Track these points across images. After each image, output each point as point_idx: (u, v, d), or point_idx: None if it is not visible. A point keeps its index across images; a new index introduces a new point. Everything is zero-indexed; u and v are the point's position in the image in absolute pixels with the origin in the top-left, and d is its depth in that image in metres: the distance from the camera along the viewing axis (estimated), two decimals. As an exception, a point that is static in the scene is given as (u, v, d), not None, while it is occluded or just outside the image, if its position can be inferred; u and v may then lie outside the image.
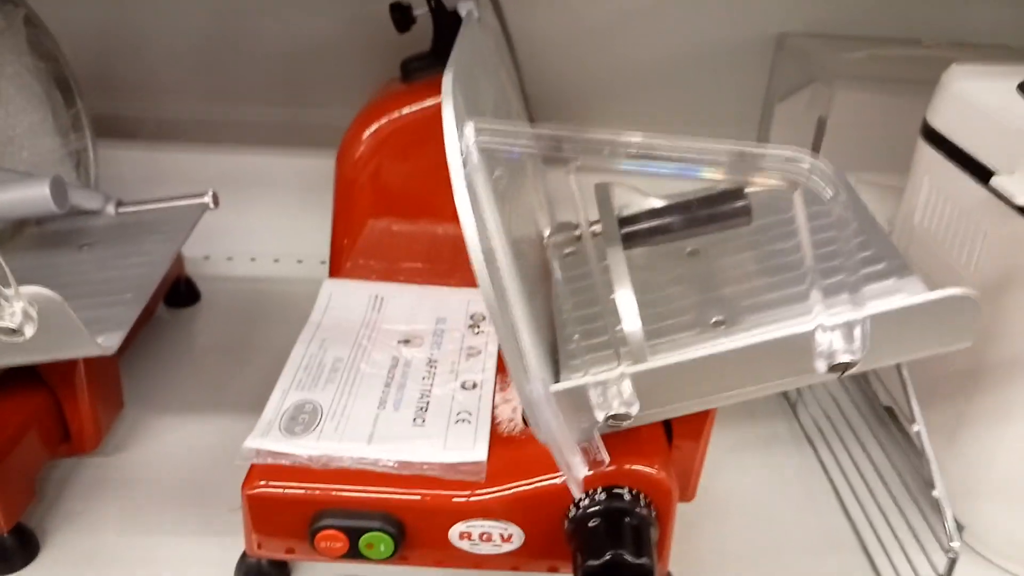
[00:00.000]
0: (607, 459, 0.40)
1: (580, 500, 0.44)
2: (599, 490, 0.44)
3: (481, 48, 0.49)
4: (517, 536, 0.46)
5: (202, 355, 0.67)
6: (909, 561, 0.50)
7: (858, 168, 0.67)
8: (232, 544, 0.48)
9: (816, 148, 0.68)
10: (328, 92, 0.78)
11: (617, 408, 0.37)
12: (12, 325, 0.36)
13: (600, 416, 0.37)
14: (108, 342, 0.43)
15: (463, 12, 0.52)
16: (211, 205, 0.56)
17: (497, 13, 0.70)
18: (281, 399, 0.50)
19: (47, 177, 0.46)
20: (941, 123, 0.54)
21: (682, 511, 0.46)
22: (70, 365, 0.49)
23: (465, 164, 0.32)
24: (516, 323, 0.35)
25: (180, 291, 0.72)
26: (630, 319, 0.39)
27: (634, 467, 0.44)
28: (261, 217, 0.76)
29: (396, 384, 0.51)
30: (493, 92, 0.50)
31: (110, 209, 0.57)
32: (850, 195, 0.51)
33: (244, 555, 0.48)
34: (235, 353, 0.66)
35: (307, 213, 0.73)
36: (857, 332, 0.35)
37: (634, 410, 0.37)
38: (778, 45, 0.75)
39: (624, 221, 0.45)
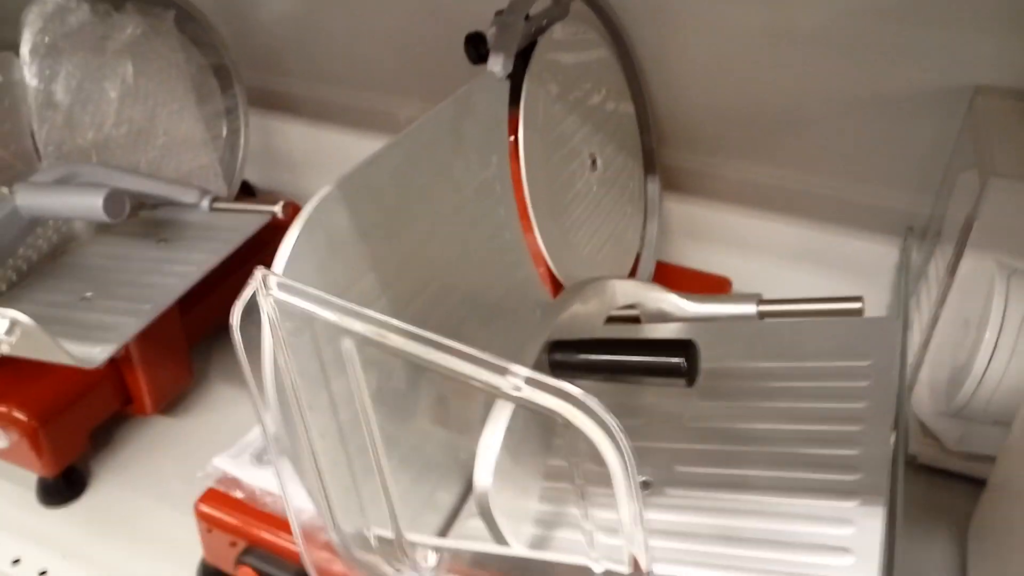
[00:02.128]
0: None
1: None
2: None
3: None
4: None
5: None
6: None
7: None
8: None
9: (961, 246, 0.53)
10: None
11: (415, 579, 0.34)
12: (-10, 340, 0.43)
13: (407, 578, 0.35)
14: (94, 355, 0.48)
15: (496, 68, 0.48)
16: (279, 215, 0.60)
17: (615, 40, 0.63)
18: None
19: (105, 188, 0.52)
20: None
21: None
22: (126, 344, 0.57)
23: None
24: (322, 469, 0.33)
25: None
26: (483, 473, 0.35)
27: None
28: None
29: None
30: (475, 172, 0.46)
31: (204, 205, 0.63)
32: (887, 368, 0.40)
33: (203, 560, 0.53)
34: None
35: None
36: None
37: (436, 583, 0.34)
38: (972, 101, 0.58)
39: (557, 346, 0.40)
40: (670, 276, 0.69)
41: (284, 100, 0.84)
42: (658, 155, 0.69)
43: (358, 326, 0.29)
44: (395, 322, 0.29)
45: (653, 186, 0.69)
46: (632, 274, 0.65)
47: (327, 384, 0.33)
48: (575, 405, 0.26)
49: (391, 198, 0.39)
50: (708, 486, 0.38)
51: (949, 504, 0.57)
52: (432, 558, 0.34)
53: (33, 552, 0.55)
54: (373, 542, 0.35)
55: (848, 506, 0.34)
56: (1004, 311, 0.53)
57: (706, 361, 0.45)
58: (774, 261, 0.71)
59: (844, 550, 0.33)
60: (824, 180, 0.67)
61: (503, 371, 0.27)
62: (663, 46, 0.66)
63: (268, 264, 0.32)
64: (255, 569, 0.48)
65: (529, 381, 0.27)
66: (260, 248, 0.62)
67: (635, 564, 0.27)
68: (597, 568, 0.29)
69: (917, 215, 0.66)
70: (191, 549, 0.53)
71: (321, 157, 0.85)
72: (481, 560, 0.34)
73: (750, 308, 0.45)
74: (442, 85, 0.46)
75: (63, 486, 0.58)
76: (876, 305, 0.67)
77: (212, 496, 0.50)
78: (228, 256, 0.58)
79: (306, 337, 0.32)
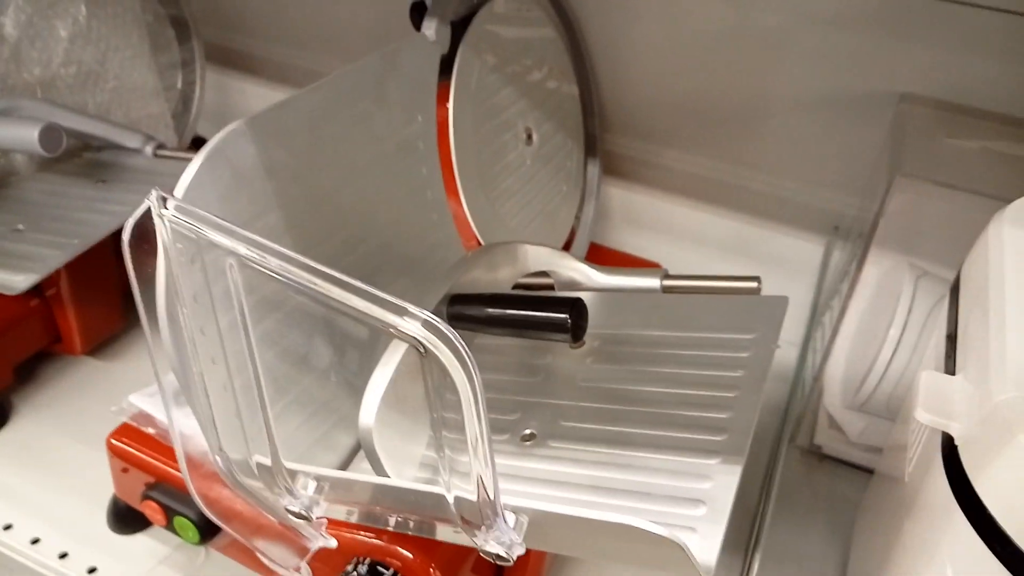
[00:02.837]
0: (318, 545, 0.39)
1: (356, 561, 0.43)
2: (365, 560, 0.43)
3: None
4: (305, 570, 0.46)
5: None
6: None
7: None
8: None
9: (868, 241, 0.55)
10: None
11: (291, 505, 0.35)
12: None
13: (284, 504, 0.36)
14: (16, 282, 0.49)
15: (429, 32, 0.49)
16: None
17: (564, 22, 0.65)
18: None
19: (41, 122, 0.53)
20: (967, 282, 0.42)
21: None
22: (55, 281, 0.58)
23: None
24: (208, 392, 0.34)
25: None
26: (367, 412, 0.37)
27: (401, 550, 0.42)
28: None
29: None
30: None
31: (148, 150, 0.64)
32: (768, 341, 0.42)
33: (115, 496, 0.54)
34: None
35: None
36: (503, 522, 0.30)
37: (314, 512, 0.35)
38: (898, 108, 0.60)
39: (456, 299, 0.41)
40: (603, 258, 0.71)
41: (244, 60, 0.85)
42: (601, 140, 0.71)
43: (242, 248, 0.31)
44: (276, 247, 0.30)
45: (593, 169, 0.71)
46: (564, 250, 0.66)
47: (216, 313, 0.34)
48: (434, 333, 0.28)
49: (303, 141, 0.40)
50: (588, 440, 0.39)
51: (848, 493, 0.59)
52: (311, 486, 0.36)
53: (-55, 478, 0.56)
54: (254, 469, 0.36)
55: (710, 463, 0.36)
56: (909, 310, 0.56)
57: (606, 328, 0.46)
58: (707, 251, 0.73)
59: (699, 502, 0.34)
60: (760, 176, 0.69)
61: (385, 304, 0.29)
62: (615, 34, 0.68)
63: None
64: (159, 504, 0.49)
65: (383, 303, 0.28)
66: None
67: (481, 486, 0.28)
68: (449, 496, 0.30)
69: (844, 215, 0.68)
70: (104, 487, 0.54)
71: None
72: (353, 489, 0.35)
73: (655, 282, 0.47)
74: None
75: (-17, 416, 0.59)
76: (799, 301, 0.69)
77: (125, 431, 0.51)
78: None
79: (199, 264, 0.33)
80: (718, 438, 0.37)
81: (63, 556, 0.52)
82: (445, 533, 0.34)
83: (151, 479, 0.49)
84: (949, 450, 0.33)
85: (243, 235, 0.30)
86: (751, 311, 0.44)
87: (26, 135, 0.53)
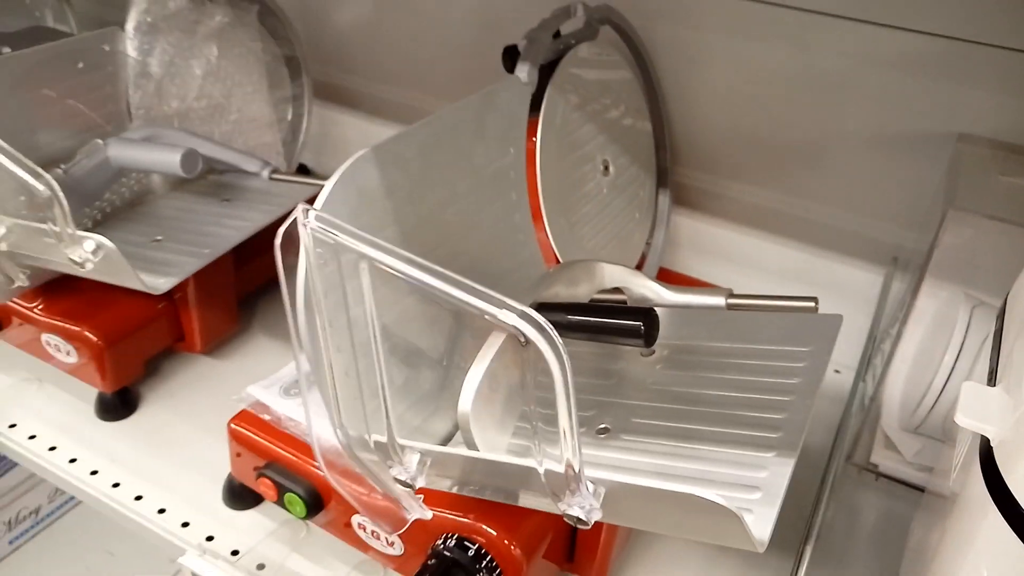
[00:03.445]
0: (415, 516, 0.45)
1: (446, 537, 0.49)
2: (453, 536, 0.49)
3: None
4: (398, 545, 0.52)
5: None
6: None
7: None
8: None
9: (922, 271, 0.59)
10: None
11: (399, 474, 0.41)
12: (77, 259, 0.52)
13: (393, 474, 0.42)
14: (160, 284, 0.57)
15: (522, 75, 0.56)
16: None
17: (640, 65, 0.71)
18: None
19: (182, 148, 0.62)
20: (1013, 305, 0.45)
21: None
22: (184, 286, 0.66)
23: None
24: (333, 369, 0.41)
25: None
26: (465, 398, 0.43)
27: (485, 527, 0.48)
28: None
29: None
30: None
31: (264, 174, 0.72)
32: (822, 353, 0.46)
33: (230, 475, 0.61)
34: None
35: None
36: (585, 489, 0.35)
37: (418, 482, 0.41)
38: (956, 147, 0.64)
39: (540, 307, 0.47)
40: (672, 281, 0.74)
41: (345, 94, 0.94)
42: (671, 172, 0.76)
43: (373, 252, 0.37)
44: (404, 253, 0.36)
45: (664, 199, 0.76)
46: (635, 273, 0.72)
47: (347, 308, 0.41)
48: (532, 324, 0.34)
49: (415, 167, 0.47)
50: (656, 435, 0.44)
51: (901, 510, 0.62)
52: (415, 459, 0.42)
53: (87, 455, 0.64)
54: (371, 444, 0.42)
55: (766, 456, 0.41)
56: (964, 337, 0.59)
57: (675, 339, 0.52)
58: (769, 278, 0.77)
59: (755, 488, 0.39)
60: (822, 208, 0.74)
61: (488, 298, 0.35)
62: (685, 76, 0.74)
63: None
64: (272, 480, 0.55)
65: (493, 301, 0.34)
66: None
67: (568, 464, 0.34)
68: (540, 468, 0.36)
69: (902, 248, 0.72)
70: (219, 469, 0.61)
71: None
72: (453, 462, 0.41)
73: (720, 300, 0.52)
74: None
75: (118, 404, 0.67)
76: (857, 327, 0.73)
77: (243, 417, 0.58)
78: (280, 218, 0.67)
79: (333, 266, 0.40)
80: (773, 435, 0.42)
81: (185, 525, 0.59)
82: (528, 500, 0.39)
83: (265, 460, 0.56)
84: (986, 452, 0.37)
85: (376, 241, 0.37)
86: (808, 328, 0.48)
87: (170, 159, 0.61)
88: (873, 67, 0.66)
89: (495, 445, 0.45)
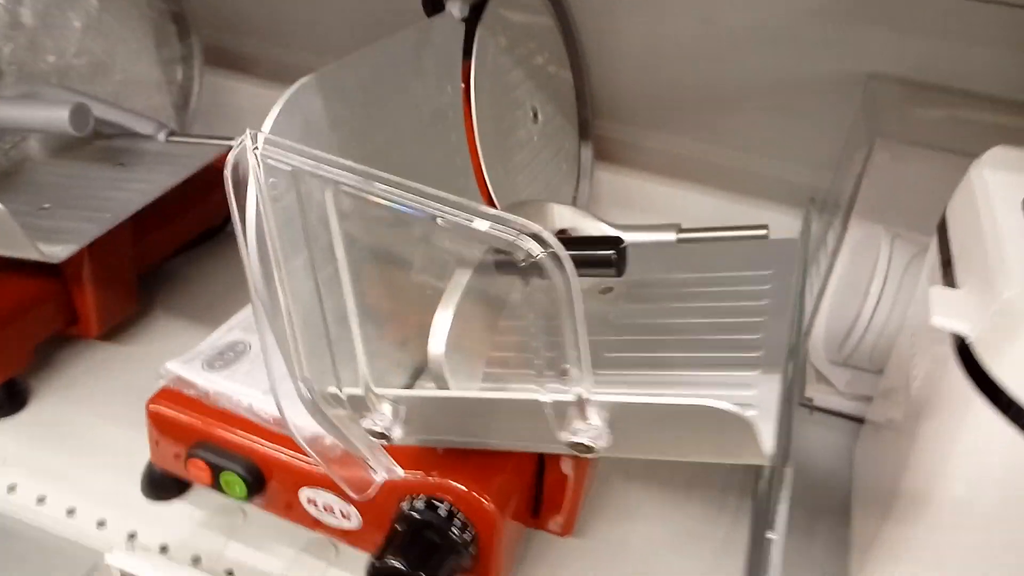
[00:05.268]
0: (387, 474, 0.41)
1: (411, 499, 0.46)
2: (421, 497, 0.45)
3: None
4: (355, 517, 0.48)
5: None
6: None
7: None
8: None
9: (851, 203, 0.60)
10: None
11: (372, 425, 0.38)
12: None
13: (365, 426, 0.38)
14: (57, 251, 0.50)
15: (455, 11, 0.53)
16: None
17: (558, 12, 0.69)
18: (222, 334, 0.56)
19: (70, 103, 0.55)
20: (953, 218, 0.47)
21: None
22: (77, 261, 0.58)
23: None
24: (291, 319, 0.37)
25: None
26: (437, 341, 0.40)
27: (455, 484, 0.45)
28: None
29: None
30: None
31: (161, 136, 0.65)
32: (785, 274, 0.46)
33: (150, 463, 0.55)
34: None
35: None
36: (593, 416, 0.33)
37: (394, 433, 0.38)
38: (866, 87, 0.66)
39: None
40: (599, 235, 0.75)
41: (238, 59, 0.87)
42: (592, 126, 0.75)
43: (340, 175, 0.33)
44: (381, 173, 0.33)
45: (586, 152, 0.75)
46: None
47: (308, 244, 0.37)
48: (533, 238, 0.31)
49: (358, 101, 0.43)
50: (633, 366, 0.43)
51: (840, 440, 0.64)
52: (388, 408, 0.38)
53: (-29, 458, 0.56)
54: (344, 399, 0.38)
55: (752, 375, 0.40)
56: (888, 267, 0.61)
57: (630, 275, 0.50)
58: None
59: (748, 405, 0.38)
60: (739, 154, 0.75)
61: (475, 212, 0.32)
62: (602, 24, 0.73)
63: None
64: (205, 461, 0.50)
65: (496, 218, 0.31)
66: (204, 197, 0.66)
67: (579, 392, 0.32)
68: (546, 398, 0.33)
69: (818, 189, 0.74)
70: (133, 459, 0.55)
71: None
72: (438, 406, 0.38)
73: (670, 235, 0.51)
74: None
75: (5, 397, 0.59)
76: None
77: (164, 395, 0.52)
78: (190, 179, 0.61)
79: (290, 198, 0.36)
80: (755, 354, 0.41)
81: (101, 524, 0.53)
82: (519, 439, 0.37)
83: (195, 440, 0.51)
84: (962, 348, 0.38)
85: (344, 163, 0.33)
86: (764, 253, 0.48)
87: (57, 115, 0.54)
88: (783, 11, 0.67)
89: (470, 378, 0.42)
